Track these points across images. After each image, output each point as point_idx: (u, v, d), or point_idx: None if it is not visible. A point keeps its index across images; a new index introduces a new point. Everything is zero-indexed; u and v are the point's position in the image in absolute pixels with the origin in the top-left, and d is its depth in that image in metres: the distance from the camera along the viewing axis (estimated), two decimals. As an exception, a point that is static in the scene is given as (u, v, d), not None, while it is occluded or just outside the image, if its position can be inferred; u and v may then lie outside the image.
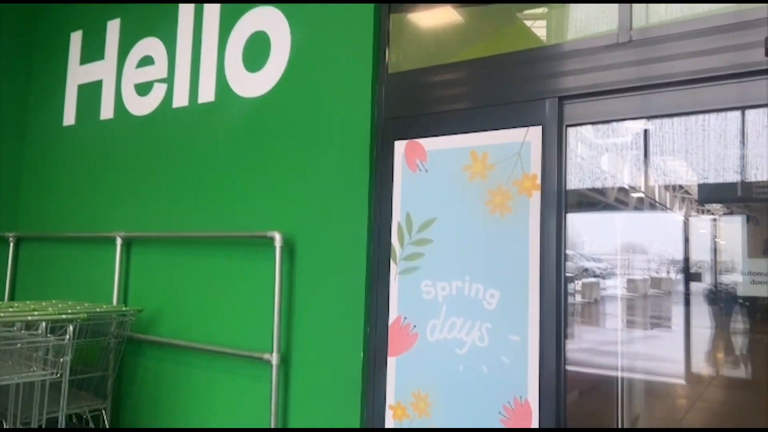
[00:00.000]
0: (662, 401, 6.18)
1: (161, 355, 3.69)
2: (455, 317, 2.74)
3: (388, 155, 2.99)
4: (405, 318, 2.88)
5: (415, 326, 2.84)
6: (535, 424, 2.49)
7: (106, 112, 4.24)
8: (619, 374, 2.93)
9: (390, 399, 2.87)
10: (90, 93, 4.38)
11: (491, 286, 2.66)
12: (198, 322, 3.55)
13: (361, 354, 2.93)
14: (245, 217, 3.43)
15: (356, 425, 2.90)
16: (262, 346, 3.20)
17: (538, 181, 2.58)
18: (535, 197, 2.58)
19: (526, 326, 2.56)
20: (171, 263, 3.73)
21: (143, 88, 4.03)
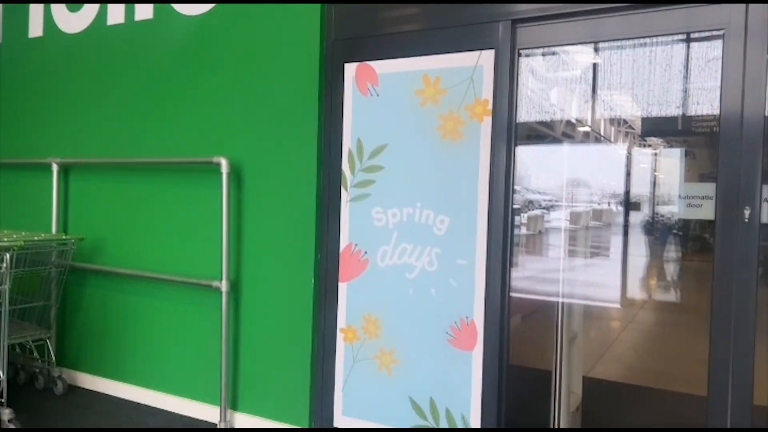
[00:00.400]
0: (598, 323, 6.56)
1: (106, 284, 3.61)
2: (406, 243, 2.77)
3: (338, 78, 2.91)
4: (356, 245, 2.89)
5: (365, 252, 2.86)
6: (480, 344, 2.59)
7: (35, 29, 3.93)
8: (560, 300, 3.06)
9: (341, 322, 2.92)
10: (16, 9, 4.03)
11: (441, 213, 2.69)
12: (144, 250, 3.47)
13: (312, 280, 2.95)
14: (190, 142, 3.31)
15: (308, 349, 2.95)
16: (212, 274, 3.17)
17: (490, 106, 2.57)
18: (487, 123, 2.58)
19: (473, 251, 2.61)
20: (113, 190, 3.59)
21: (74, 4, 3.73)
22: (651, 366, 4.76)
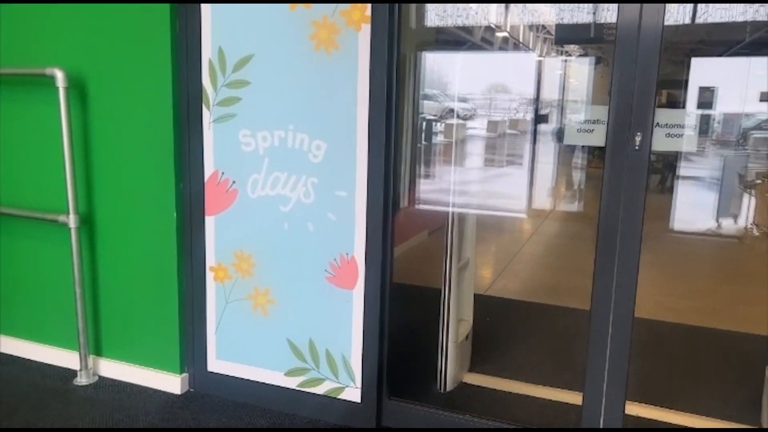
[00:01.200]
0: (503, 236, 6.61)
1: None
2: (278, 172, 2.43)
3: (191, -28, 2.40)
4: (223, 173, 2.52)
5: (234, 182, 2.51)
6: (361, 281, 2.37)
7: None
8: (450, 210, 2.88)
9: (210, 260, 2.60)
10: None
11: (317, 137, 2.35)
12: (-24, 179, 2.94)
13: (174, 213, 2.58)
14: (16, 49, 2.72)
15: (174, 289, 2.63)
16: (58, 207, 2.72)
17: (368, 12, 2.18)
18: (365, 32, 2.21)
19: (353, 181, 2.32)
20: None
21: None
22: (548, 280, 4.84)
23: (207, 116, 2.50)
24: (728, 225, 6.79)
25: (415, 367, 2.89)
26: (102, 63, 2.57)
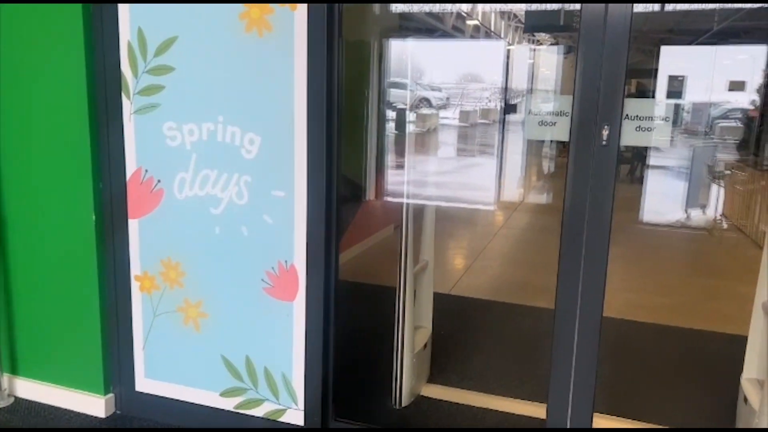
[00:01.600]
0: (472, 229, 6.42)
1: None
2: (208, 169, 2.16)
3: (102, -59, 2.10)
4: (146, 171, 2.24)
5: (159, 181, 2.23)
6: (302, 292, 2.12)
7: None
8: (405, 201, 2.67)
9: (135, 268, 2.32)
10: None
11: (250, 130, 2.08)
12: None
13: (93, 216, 2.29)
14: None
15: (95, 300, 2.35)
16: (-38, 210, 2.41)
17: (303, -13, 1.92)
18: (301, 11, 1.94)
19: (292, 179, 2.07)
20: None
21: None
22: (516, 278, 4.65)
23: (127, 107, 2.21)
24: (697, 216, 6.72)
25: (367, 381, 2.66)
26: (3, 47, 2.26)
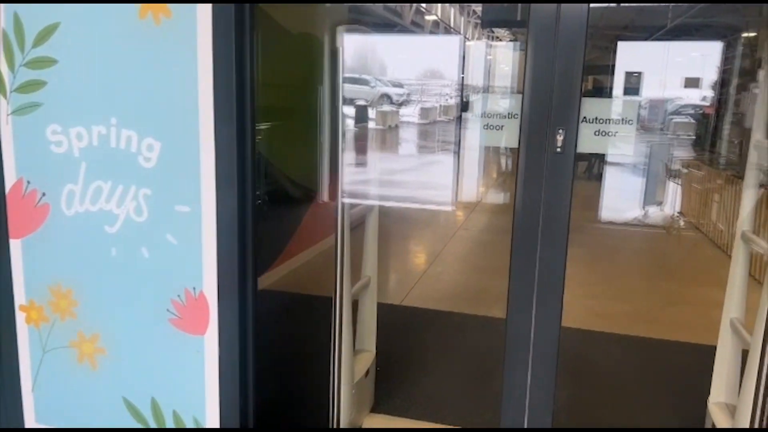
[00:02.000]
0: (428, 231, 6.18)
1: None
2: (100, 180, 1.83)
3: None
4: (29, 182, 1.89)
5: (44, 194, 1.88)
6: (213, 324, 1.81)
7: None
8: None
9: (20, 297, 1.97)
10: None
11: (148, 133, 1.76)
12: None
13: (-34, 237, 1.93)
14: None
15: (-27, 336, 1.99)
16: None
17: (204, -37, 1.61)
18: (203, -8, 1.63)
19: (198, 192, 1.75)
20: None
21: None
22: (472, 285, 4.42)
23: (4, 106, 1.86)
24: (655, 213, 6.64)
25: (301, 416, 2.36)
26: None
